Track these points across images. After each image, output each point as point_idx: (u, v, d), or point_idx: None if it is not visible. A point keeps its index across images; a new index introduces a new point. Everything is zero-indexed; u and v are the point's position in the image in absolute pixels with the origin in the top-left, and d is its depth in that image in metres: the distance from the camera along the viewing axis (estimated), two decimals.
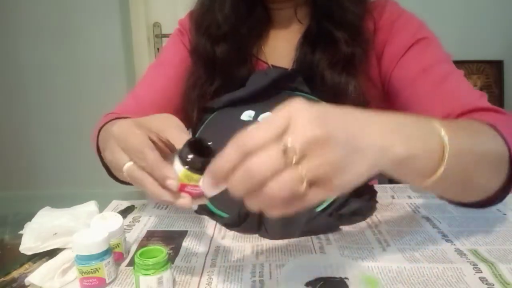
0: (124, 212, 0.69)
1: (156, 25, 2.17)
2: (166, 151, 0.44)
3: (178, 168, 0.41)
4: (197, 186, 0.41)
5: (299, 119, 0.33)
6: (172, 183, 0.41)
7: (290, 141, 0.32)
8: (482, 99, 0.63)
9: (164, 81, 0.80)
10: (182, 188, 0.42)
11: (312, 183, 0.33)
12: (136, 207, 0.72)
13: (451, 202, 0.55)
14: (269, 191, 0.33)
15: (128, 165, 0.44)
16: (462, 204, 0.54)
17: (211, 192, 0.39)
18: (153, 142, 0.44)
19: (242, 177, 0.33)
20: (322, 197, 0.34)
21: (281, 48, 0.77)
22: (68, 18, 2.12)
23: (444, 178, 0.42)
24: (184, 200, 0.42)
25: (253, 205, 0.35)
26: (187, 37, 0.82)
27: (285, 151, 0.32)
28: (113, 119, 0.65)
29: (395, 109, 0.72)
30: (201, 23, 0.76)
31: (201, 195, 0.42)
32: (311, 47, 0.71)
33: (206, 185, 0.39)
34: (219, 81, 0.75)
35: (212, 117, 0.75)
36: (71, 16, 2.12)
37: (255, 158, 0.33)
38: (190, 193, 0.42)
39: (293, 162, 0.32)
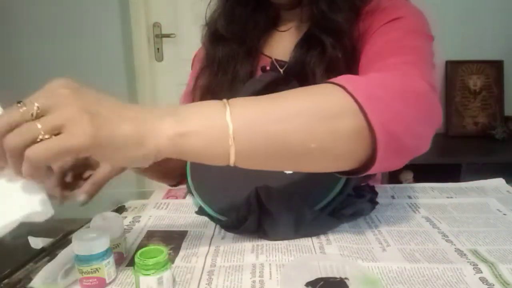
0: (116, 212, 0.68)
1: (156, 25, 2.17)
2: None
3: None
4: None
5: (47, 86, 0.39)
6: None
7: (33, 102, 0.38)
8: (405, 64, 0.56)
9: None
10: None
11: (56, 132, 0.38)
12: (129, 207, 0.72)
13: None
14: (6, 141, 0.37)
15: None
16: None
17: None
18: None
19: None
20: (67, 140, 0.38)
21: (285, 45, 0.77)
22: (68, 18, 2.12)
23: (248, 153, 0.44)
24: None
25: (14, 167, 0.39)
26: (201, 56, 0.84)
27: (26, 111, 0.38)
28: None
29: None
30: (212, 26, 0.79)
31: None
32: (306, 48, 0.72)
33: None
34: (222, 74, 0.77)
35: None
36: (71, 16, 2.12)
37: None
38: None
39: (33, 117, 0.38)
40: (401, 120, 0.47)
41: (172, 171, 0.79)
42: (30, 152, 0.37)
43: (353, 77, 0.50)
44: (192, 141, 0.42)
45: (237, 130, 0.42)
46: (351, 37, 0.69)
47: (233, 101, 0.44)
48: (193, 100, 0.81)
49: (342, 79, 0.48)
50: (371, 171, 0.48)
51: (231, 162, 0.44)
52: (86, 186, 0.56)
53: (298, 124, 0.44)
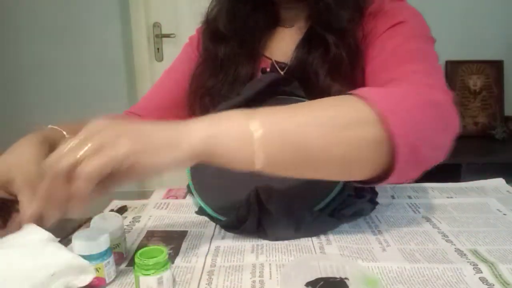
0: (117, 212, 0.68)
1: (156, 25, 2.17)
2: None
3: None
4: None
5: (89, 125, 0.44)
6: None
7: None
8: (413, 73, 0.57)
9: (171, 84, 0.85)
10: None
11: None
12: (129, 207, 0.72)
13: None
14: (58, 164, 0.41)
15: None
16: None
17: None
18: None
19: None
20: (112, 151, 0.41)
21: (285, 45, 0.77)
22: (68, 18, 2.12)
23: (271, 158, 0.45)
24: None
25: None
26: (195, 45, 0.84)
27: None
28: None
29: None
30: (212, 24, 0.79)
31: None
32: (308, 47, 0.71)
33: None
34: (223, 75, 0.76)
35: None
36: (71, 16, 2.12)
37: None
38: None
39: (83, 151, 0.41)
40: (420, 131, 0.48)
41: None
42: (83, 166, 0.41)
43: (372, 89, 0.51)
44: (221, 143, 0.45)
45: (262, 135, 0.44)
46: (355, 37, 0.69)
47: (257, 110, 0.47)
48: (189, 97, 0.80)
49: (361, 91, 0.49)
50: (388, 182, 0.49)
51: (256, 166, 0.46)
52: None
53: (319, 130, 0.46)
